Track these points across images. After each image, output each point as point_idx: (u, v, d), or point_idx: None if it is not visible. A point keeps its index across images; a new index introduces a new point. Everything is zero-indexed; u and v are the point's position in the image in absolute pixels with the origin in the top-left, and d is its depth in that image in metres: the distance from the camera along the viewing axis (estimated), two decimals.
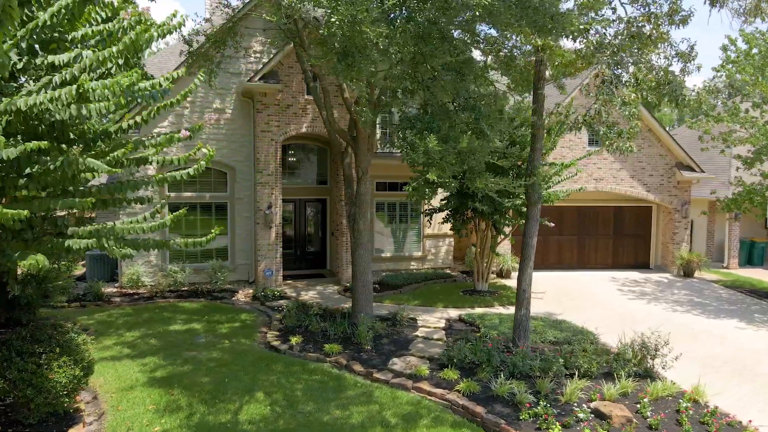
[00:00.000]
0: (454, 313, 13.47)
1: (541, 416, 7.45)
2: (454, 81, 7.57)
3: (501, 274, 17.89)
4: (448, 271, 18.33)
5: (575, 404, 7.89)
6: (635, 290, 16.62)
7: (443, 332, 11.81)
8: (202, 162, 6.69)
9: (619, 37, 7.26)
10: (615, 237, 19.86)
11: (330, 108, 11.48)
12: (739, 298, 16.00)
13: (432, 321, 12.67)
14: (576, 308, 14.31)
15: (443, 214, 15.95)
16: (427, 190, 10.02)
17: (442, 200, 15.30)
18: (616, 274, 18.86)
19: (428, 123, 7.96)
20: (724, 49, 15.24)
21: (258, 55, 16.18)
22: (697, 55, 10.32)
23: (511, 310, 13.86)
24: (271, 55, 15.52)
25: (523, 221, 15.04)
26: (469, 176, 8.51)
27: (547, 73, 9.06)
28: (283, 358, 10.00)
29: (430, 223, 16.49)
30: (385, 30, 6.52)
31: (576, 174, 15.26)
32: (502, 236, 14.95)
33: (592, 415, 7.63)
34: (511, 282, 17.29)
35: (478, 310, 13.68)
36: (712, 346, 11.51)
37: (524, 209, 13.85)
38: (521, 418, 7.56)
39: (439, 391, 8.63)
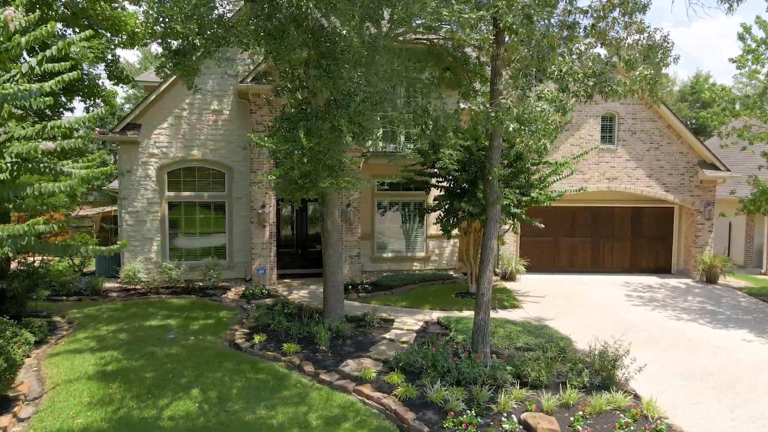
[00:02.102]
0: (438, 315, 13.17)
1: (466, 424, 7.14)
2: (331, 73, 7.47)
3: (504, 276, 17.34)
4: (451, 273, 17.98)
5: (505, 414, 7.51)
6: (644, 296, 15.69)
7: (415, 335, 11.57)
8: None
9: (552, 29, 6.85)
10: (633, 239, 18.83)
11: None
12: (759, 307, 14.78)
13: (410, 323, 12.44)
14: (571, 314, 13.67)
15: (436, 215, 15.64)
16: (291, 188, 9.78)
17: (434, 200, 15.00)
18: (631, 279, 17.88)
19: (299, 120, 7.81)
20: (741, 38, 14.10)
21: (257, 56, 16.42)
22: (673, 46, 9.66)
23: (501, 314, 13.46)
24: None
25: (519, 222, 14.70)
26: (314, 177, 8.25)
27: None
28: (240, 355, 10.09)
29: (422, 224, 16.18)
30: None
31: (571, 173, 14.54)
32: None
33: (520, 427, 7.25)
34: (514, 285, 16.76)
35: (463, 313, 13.30)
36: (705, 358, 10.69)
37: (514, 210, 13.44)
38: (445, 426, 7.28)
39: (377, 394, 8.45)
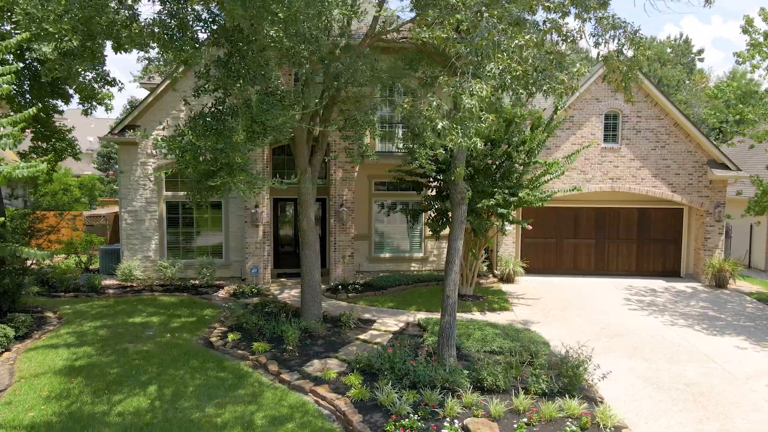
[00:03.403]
0: (421, 317, 13.03)
1: (404, 428, 7.05)
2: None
3: (503, 278, 17.01)
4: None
5: (449, 419, 7.37)
6: (644, 300, 15.15)
7: (391, 336, 11.49)
8: None
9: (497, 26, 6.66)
10: (639, 241, 18.21)
11: None
12: (766, 313, 14.09)
13: (391, 324, 12.36)
14: (561, 318, 13.33)
15: (428, 215, 15.49)
16: (196, 187, 9.80)
17: (423, 201, 14.85)
18: (635, 282, 17.30)
19: (202, 119, 7.79)
20: (745, 31, 13.44)
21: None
22: (644, 41, 9.30)
23: (488, 316, 13.24)
24: None
25: (510, 223, 14.34)
26: (214, 175, 8.19)
27: None
28: (210, 354, 10.22)
29: (412, 224, 16.02)
30: None
31: (562, 173, 14.15)
32: (482, 239, 14.22)
33: None
34: (511, 287, 16.44)
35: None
36: (688, 366, 10.27)
37: (501, 210, 13.19)
38: (386, 429, 7.20)
39: (332, 395, 8.43)
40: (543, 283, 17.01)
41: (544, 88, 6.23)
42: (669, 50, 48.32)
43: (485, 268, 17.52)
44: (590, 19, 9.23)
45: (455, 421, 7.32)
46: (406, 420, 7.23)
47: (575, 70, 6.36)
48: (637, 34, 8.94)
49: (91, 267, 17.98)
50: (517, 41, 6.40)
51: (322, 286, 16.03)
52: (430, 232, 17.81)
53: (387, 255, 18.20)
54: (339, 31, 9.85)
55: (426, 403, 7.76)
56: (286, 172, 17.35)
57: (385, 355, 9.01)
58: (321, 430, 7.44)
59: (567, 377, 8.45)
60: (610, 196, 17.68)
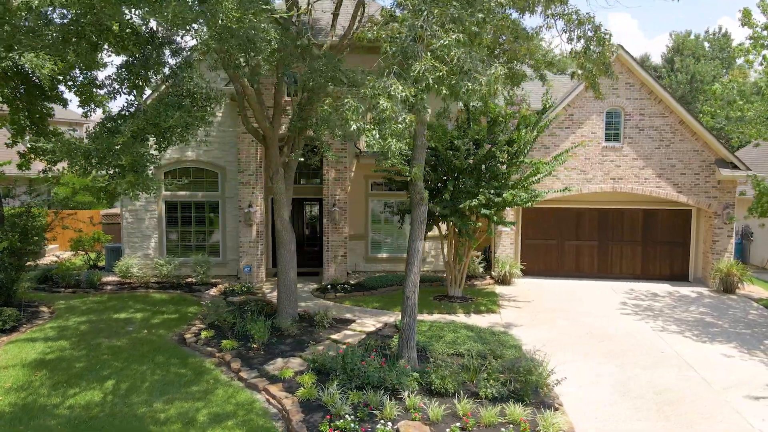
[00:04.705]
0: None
1: (334, 428, 7.04)
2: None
3: (500, 280, 16.71)
4: (443, 275, 17.56)
5: (383, 421, 7.31)
6: (642, 305, 14.62)
7: (364, 336, 11.46)
8: None
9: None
10: (645, 244, 17.59)
11: (244, 106, 11.61)
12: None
13: (369, 324, 12.33)
14: (547, 320, 13.02)
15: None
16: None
17: (407, 200, 14.73)
18: (638, 286, 16.71)
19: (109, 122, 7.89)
20: (745, 23, 12.78)
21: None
22: (610, 37, 9.01)
23: (473, 319, 13.04)
24: None
25: (496, 224, 14.04)
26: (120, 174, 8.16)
27: None
28: (179, 350, 10.43)
29: (401, 224, 15.92)
30: None
31: (549, 173, 13.80)
32: (469, 240, 14.00)
33: None
34: (506, 289, 16.16)
35: (433, 317, 13.01)
36: (665, 373, 9.87)
37: (485, 211, 12.99)
38: (321, 429, 7.19)
39: (282, 394, 8.49)
40: (540, 286, 16.64)
41: (462, 90, 6.08)
42: (707, 45, 46.46)
43: (481, 270, 17.29)
44: (557, 16, 9.03)
45: (389, 423, 7.26)
46: (341, 421, 7.21)
47: (492, 72, 6.17)
48: (600, 30, 8.68)
49: (99, 264, 18.59)
50: (442, 41, 6.29)
51: (313, 285, 16.20)
52: (428, 233, 17.71)
53: (384, 255, 18.16)
54: (296, 32, 9.90)
55: (365, 404, 7.72)
56: (297, 172, 17.47)
57: (338, 356, 8.99)
58: (259, 429, 7.50)
59: (519, 382, 8.25)
60: (614, 196, 17.15)
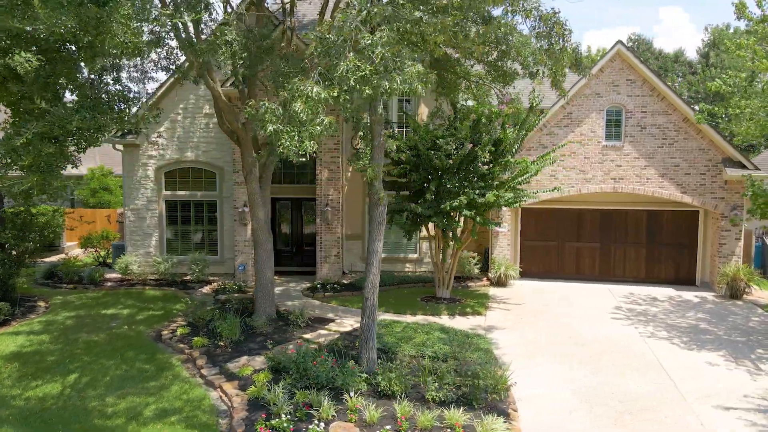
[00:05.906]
0: (386, 317, 12.90)
1: (265, 427, 7.09)
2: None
3: (495, 282, 16.41)
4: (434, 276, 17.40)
5: (317, 421, 7.30)
6: (636, 310, 14.11)
7: (338, 335, 11.50)
8: None
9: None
10: (649, 246, 16.96)
11: (218, 107, 11.75)
12: None
13: (347, 324, 12.37)
14: (532, 324, 12.75)
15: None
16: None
17: (394, 201, 14.65)
18: (638, 290, 16.12)
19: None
20: (740, 17, 12.14)
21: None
22: (570, 34, 8.75)
23: (456, 321, 12.90)
24: None
25: (482, 225, 13.75)
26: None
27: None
28: (152, 346, 10.70)
29: (389, 225, 15.80)
30: None
31: (535, 173, 13.46)
32: (453, 241, 13.82)
33: None
34: (500, 291, 15.87)
35: (416, 317, 12.93)
36: (638, 381, 9.53)
37: (466, 211, 12.82)
38: (256, 427, 7.25)
39: (234, 391, 8.62)
40: (536, 288, 16.27)
41: (381, 90, 6.00)
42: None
43: (477, 271, 17.03)
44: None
45: (322, 423, 7.25)
46: (276, 420, 7.25)
47: (414, 69, 6.05)
48: (564, 27, 8.45)
49: (108, 261, 19.21)
50: (366, 40, 6.24)
51: (305, 285, 16.30)
52: (424, 234, 17.61)
53: (381, 255, 18.05)
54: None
55: (306, 404, 7.74)
56: (294, 172, 17.69)
57: (291, 356, 9.04)
58: (201, 425, 7.62)
59: (466, 386, 8.11)
60: (617, 197, 16.61)
